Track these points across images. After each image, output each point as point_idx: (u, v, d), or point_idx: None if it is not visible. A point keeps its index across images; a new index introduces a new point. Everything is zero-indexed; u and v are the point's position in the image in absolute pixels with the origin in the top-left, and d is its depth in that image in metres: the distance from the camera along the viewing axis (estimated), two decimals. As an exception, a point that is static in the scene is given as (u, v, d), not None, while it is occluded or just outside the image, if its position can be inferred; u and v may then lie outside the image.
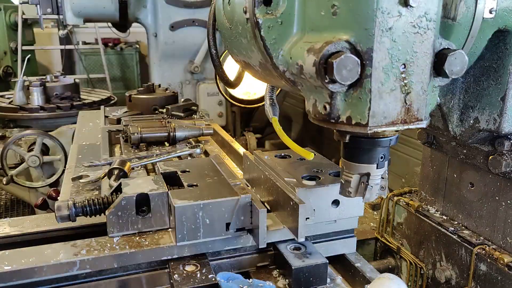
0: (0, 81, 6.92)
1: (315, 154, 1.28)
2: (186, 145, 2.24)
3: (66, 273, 1.19)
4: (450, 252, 1.43)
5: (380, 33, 0.84)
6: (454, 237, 1.41)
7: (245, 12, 1.00)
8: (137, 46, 7.86)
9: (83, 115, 3.30)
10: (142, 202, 1.31)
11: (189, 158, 2.07)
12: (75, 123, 3.23)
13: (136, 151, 2.15)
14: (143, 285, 1.28)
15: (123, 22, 4.58)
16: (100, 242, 1.27)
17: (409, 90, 0.90)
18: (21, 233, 1.42)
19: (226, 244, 1.32)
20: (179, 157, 2.07)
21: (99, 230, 1.37)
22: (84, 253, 1.22)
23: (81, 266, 1.20)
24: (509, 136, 1.24)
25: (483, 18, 1.07)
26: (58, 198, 1.78)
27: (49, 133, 3.49)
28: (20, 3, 6.18)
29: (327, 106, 0.92)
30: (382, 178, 1.08)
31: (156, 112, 2.90)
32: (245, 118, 5.19)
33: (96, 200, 1.35)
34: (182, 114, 2.80)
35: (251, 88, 2.78)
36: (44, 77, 4.85)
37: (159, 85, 3.22)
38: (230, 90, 2.73)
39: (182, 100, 3.07)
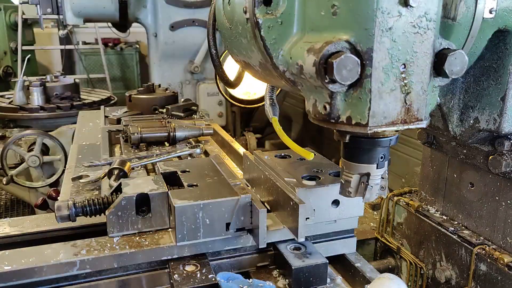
0: (0, 81, 6.93)
1: (315, 154, 1.28)
2: (186, 145, 2.24)
3: (66, 273, 1.19)
4: (450, 252, 1.43)
5: (380, 33, 0.84)
6: (454, 237, 1.41)
7: (245, 12, 1.00)
8: (137, 46, 7.86)
9: (83, 115, 3.30)
10: (142, 202, 1.31)
11: (189, 158, 2.07)
12: (75, 123, 3.23)
13: (136, 151, 2.15)
14: (143, 285, 1.28)
15: (123, 22, 4.58)
16: (100, 242, 1.27)
17: (409, 90, 0.90)
18: (21, 233, 1.42)
19: (226, 244, 1.32)
20: (179, 157, 2.07)
21: (99, 230, 1.37)
22: (84, 253, 1.22)
23: (81, 266, 1.20)
24: (509, 136, 1.24)
25: (483, 18, 1.07)
26: (58, 198, 1.78)
27: (49, 133, 3.49)
28: (20, 3, 6.18)
29: (327, 106, 0.92)
30: (382, 178, 1.08)
31: (156, 112, 2.90)
32: (245, 118, 5.19)
33: (96, 200, 1.35)
34: (182, 114, 2.80)
35: (251, 88, 2.78)
36: (44, 77, 4.85)
37: (159, 85, 3.22)
38: (230, 90, 2.73)
39: (182, 100, 3.07)
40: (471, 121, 1.28)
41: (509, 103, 1.19)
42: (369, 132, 0.90)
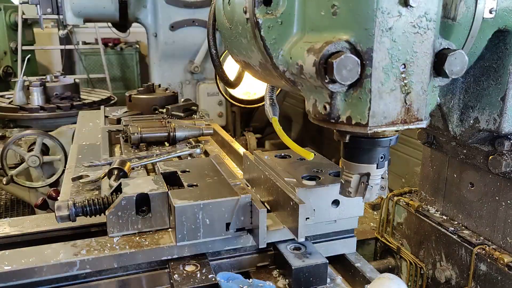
0: (0, 81, 6.93)
1: (315, 154, 1.28)
2: (186, 145, 2.24)
3: (66, 273, 1.19)
4: (450, 252, 1.43)
5: (380, 33, 0.84)
6: (454, 237, 1.41)
7: (245, 12, 1.00)
8: (137, 46, 7.86)
9: (83, 115, 3.30)
10: (142, 202, 1.31)
11: (189, 158, 2.07)
12: (75, 123, 3.23)
13: (136, 151, 2.15)
14: (143, 285, 1.28)
15: (123, 22, 4.58)
16: (100, 242, 1.27)
17: (409, 90, 0.90)
18: (21, 233, 1.42)
19: (226, 244, 1.32)
20: (179, 157, 2.07)
21: (99, 230, 1.37)
22: (84, 253, 1.22)
23: (81, 266, 1.20)
24: (509, 136, 1.24)
25: (483, 18, 1.07)
26: (58, 198, 1.78)
27: (49, 133, 3.49)
28: (20, 3, 6.18)
29: (327, 106, 0.92)
30: (382, 178, 1.08)
31: (156, 112, 2.90)
32: (245, 118, 5.19)
33: (96, 200, 1.35)
34: (182, 114, 2.80)
35: (251, 88, 2.78)
36: (44, 77, 4.85)
37: (159, 85, 3.22)
38: (230, 90, 2.73)
39: (182, 100, 3.07)
40: (471, 121, 1.28)
41: (509, 103, 1.19)
42: (369, 132, 0.90)
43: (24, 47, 6.65)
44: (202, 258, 1.28)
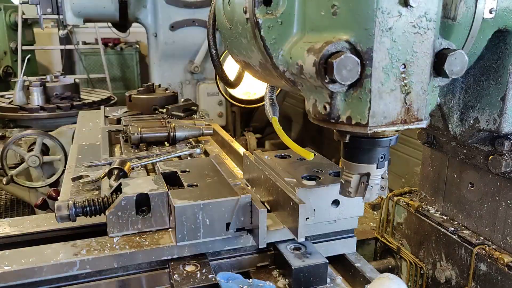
0: (0, 81, 6.93)
1: (315, 154, 1.28)
2: (186, 145, 2.24)
3: (66, 273, 1.19)
4: (450, 252, 1.43)
5: (380, 33, 0.84)
6: (454, 237, 1.41)
7: (245, 12, 1.00)
8: (137, 46, 7.86)
9: (83, 115, 3.30)
10: (142, 202, 1.31)
11: (189, 158, 2.07)
12: (75, 123, 3.23)
13: (136, 151, 2.15)
14: (143, 285, 1.28)
15: (123, 22, 4.58)
16: (100, 242, 1.27)
17: (409, 90, 0.90)
18: (21, 233, 1.42)
19: (226, 244, 1.32)
20: (179, 157, 2.07)
21: (99, 230, 1.37)
22: (84, 253, 1.22)
23: (81, 266, 1.20)
24: (509, 136, 1.24)
25: (483, 18, 1.07)
26: (58, 198, 1.78)
27: (49, 133, 3.49)
28: (20, 3, 6.18)
29: (327, 106, 0.92)
30: (382, 178, 1.08)
31: (156, 112, 2.90)
32: (245, 118, 5.19)
33: (96, 200, 1.35)
34: (182, 114, 2.80)
35: (251, 88, 2.78)
36: (44, 77, 4.85)
37: (159, 85, 3.22)
38: (230, 90, 2.73)
39: (182, 100, 3.07)
40: (471, 121, 1.28)
41: (509, 103, 1.19)
42: (369, 132, 0.90)
43: (24, 47, 6.65)
44: (202, 258, 1.28)
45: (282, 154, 1.56)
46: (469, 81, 1.28)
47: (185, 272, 1.22)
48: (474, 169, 1.39)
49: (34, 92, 4.37)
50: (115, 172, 1.69)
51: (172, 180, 1.47)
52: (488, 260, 1.30)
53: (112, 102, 4.93)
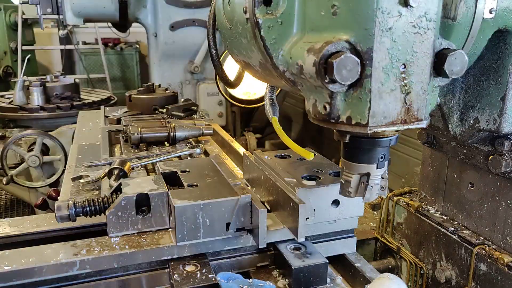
0: (0, 81, 6.93)
1: (315, 154, 1.28)
2: (186, 145, 2.24)
3: (66, 273, 1.19)
4: (450, 252, 1.43)
5: (380, 33, 0.84)
6: (454, 237, 1.41)
7: (245, 12, 1.00)
8: (137, 46, 7.86)
9: (83, 115, 3.30)
10: (142, 202, 1.31)
11: (189, 158, 2.07)
12: (75, 123, 3.23)
13: (136, 151, 2.15)
14: (143, 285, 1.28)
15: (123, 22, 4.58)
16: (100, 242, 1.27)
17: (409, 90, 0.90)
18: (21, 233, 1.42)
19: (226, 244, 1.32)
20: (179, 157, 2.07)
21: (99, 230, 1.37)
22: (84, 253, 1.22)
23: (81, 266, 1.20)
24: (509, 136, 1.24)
25: (483, 18, 1.07)
26: (58, 198, 1.78)
27: (49, 133, 3.49)
28: (20, 3, 6.18)
29: (327, 106, 0.92)
30: (382, 178, 1.08)
31: (156, 112, 2.90)
32: (245, 118, 5.19)
33: (96, 200, 1.35)
34: (182, 114, 2.80)
35: (251, 88, 2.79)
36: (44, 77, 4.85)
37: (159, 85, 3.22)
38: (230, 90, 2.73)
39: (182, 100, 3.07)
40: (471, 121, 1.28)
41: (509, 103, 1.19)
42: (369, 132, 0.90)
43: (24, 47, 6.66)
44: (202, 258, 1.28)
45: (282, 154, 1.56)
46: (469, 81, 1.28)
47: (185, 272, 1.22)
48: (474, 169, 1.39)
49: (34, 92, 4.37)
50: (115, 172, 1.69)
51: (172, 180, 1.47)
52: (488, 260, 1.30)
53: (112, 102, 4.94)
